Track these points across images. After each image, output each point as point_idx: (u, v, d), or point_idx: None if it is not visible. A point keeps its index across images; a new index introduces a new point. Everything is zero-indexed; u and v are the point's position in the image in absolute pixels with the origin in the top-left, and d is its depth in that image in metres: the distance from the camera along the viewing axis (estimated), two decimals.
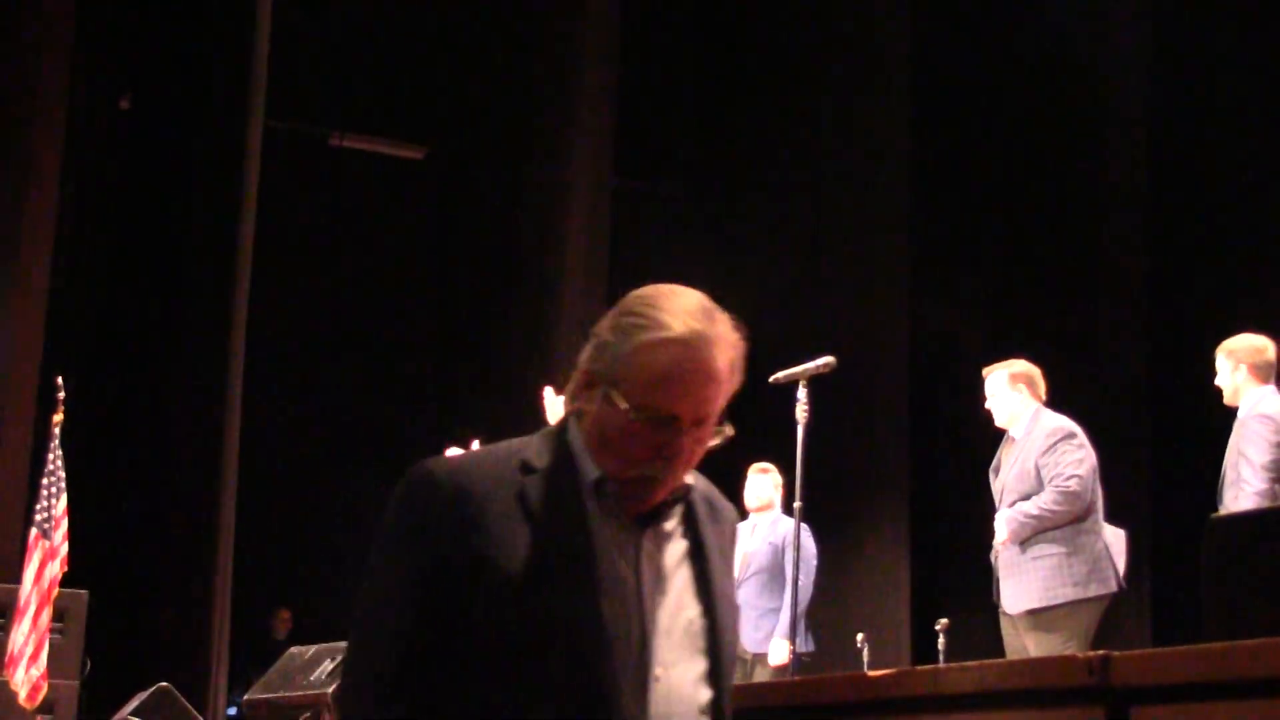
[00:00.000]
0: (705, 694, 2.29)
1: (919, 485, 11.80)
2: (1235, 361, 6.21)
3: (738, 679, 7.74)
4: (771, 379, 6.12)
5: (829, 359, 5.91)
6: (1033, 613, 6.16)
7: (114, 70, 10.40)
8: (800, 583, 7.00)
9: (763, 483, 7.66)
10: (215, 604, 9.08)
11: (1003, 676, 2.22)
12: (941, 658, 8.07)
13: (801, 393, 5.89)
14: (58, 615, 7.23)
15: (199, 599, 9.07)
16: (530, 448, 2.33)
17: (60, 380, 7.48)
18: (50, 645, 7.00)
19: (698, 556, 2.34)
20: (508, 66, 11.50)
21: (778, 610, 7.43)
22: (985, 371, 6.52)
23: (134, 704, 7.30)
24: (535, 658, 2.17)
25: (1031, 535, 6.16)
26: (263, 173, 9.83)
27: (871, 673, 2.32)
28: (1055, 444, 6.22)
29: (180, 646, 8.97)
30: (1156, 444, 11.92)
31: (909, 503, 11.59)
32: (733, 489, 7.75)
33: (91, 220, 10.13)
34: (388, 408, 12.61)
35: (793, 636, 6.94)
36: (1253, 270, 11.42)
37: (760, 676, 7.28)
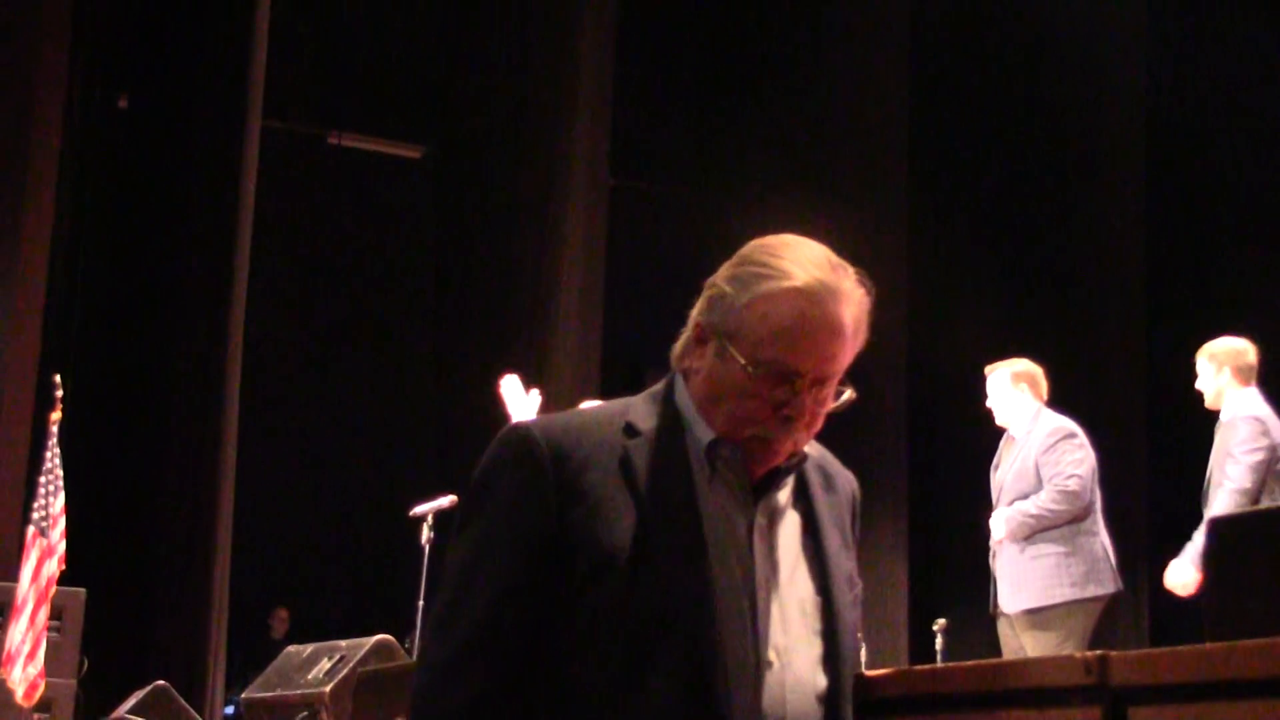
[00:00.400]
0: (823, 680, 2.12)
1: (917, 486, 11.81)
2: (1218, 364, 6.23)
3: None
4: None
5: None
6: (1030, 612, 6.17)
7: (111, 69, 10.39)
8: None
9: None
10: (213, 602, 9.08)
11: (1000, 676, 2.22)
12: (939, 657, 8.08)
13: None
14: (55, 613, 7.22)
15: (197, 597, 9.06)
16: (634, 409, 2.16)
17: (58, 378, 7.48)
18: (47, 643, 7.00)
19: (812, 530, 2.20)
20: (505, 65, 11.49)
21: None
22: (988, 370, 6.54)
23: (131, 702, 7.30)
24: (638, 640, 1.99)
25: (1029, 534, 6.17)
26: (260, 172, 9.83)
27: (869, 673, 2.32)
28: (1055, 443, 6.24)
29: (178, 645, 8.96)
30: (1155, 444, 11.93)
31: (907, 504, 11.60)
32: None
33: (89, 219, 10.13)
34: (385, 406, 12.62)
35: None
36: (1253, 270, 11.43)
37: None
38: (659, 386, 2.20)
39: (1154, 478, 11.77)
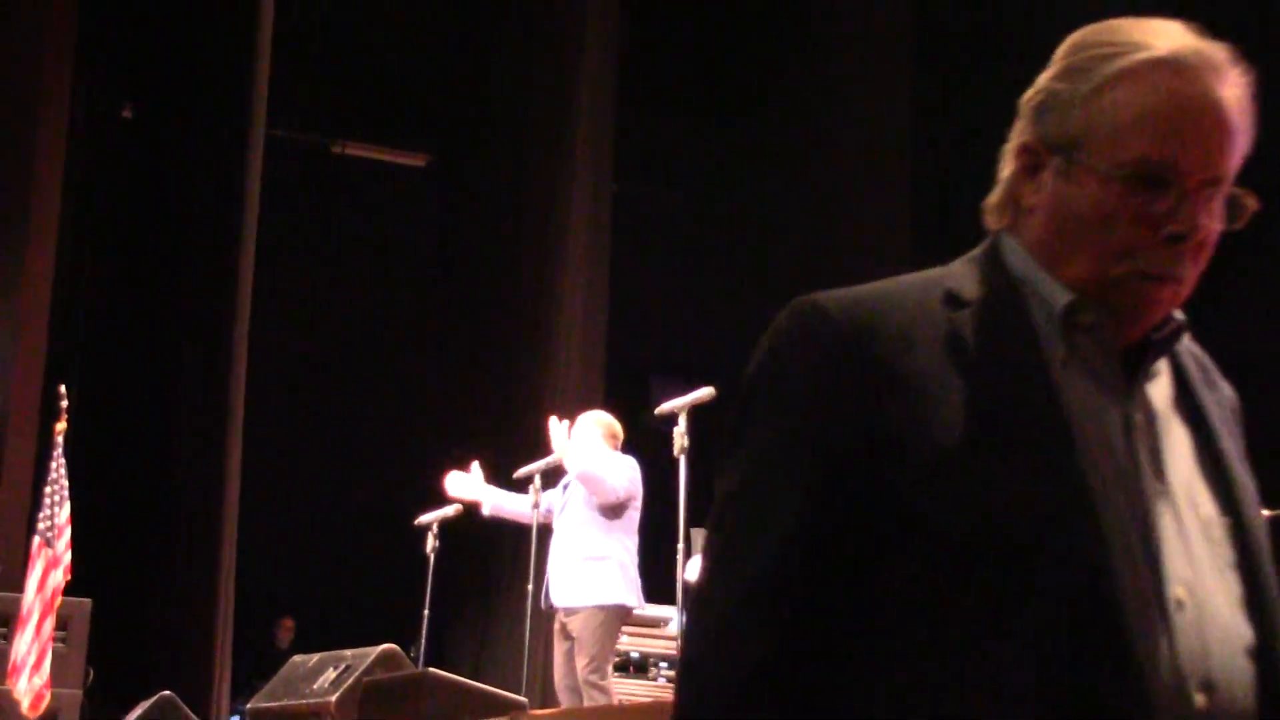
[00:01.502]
0: (1248, 630, 1.51)
1: None
2: None
3: None
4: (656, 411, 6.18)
5: (708, 389, 5.97)
6: None
7: (116, 79, 10.42)
8: None
9: None
10: (218, 612, 9.08)
11: None
12: None
13: None
14: (60, 624, 7.23)
15: (201, 607, 9.06)
16: (952, 276, 1.62)
17: (63, 389, 7.49)
18: (53, 654, 7.01)
19: (1203, 431, 1.61)
20: (508, 73, 11.50)
21: None
22: None
23: (137, 712, 7.30)
24: (996, 570, 1.44)
25: None
26: (264, 180, 9.84)
27: None
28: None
29: (183, 655, 8.96)
30: None
31: None
32: None
33: (94, 229, 10.15)
34: (389, 414, 12.62)
35: None
36: (1251, 273, 11.40)
37: None
38: (977, 250, 1.66)
39: None
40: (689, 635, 1.59)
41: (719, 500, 1.58)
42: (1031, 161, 1.63)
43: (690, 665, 1.54)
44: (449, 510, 7.63)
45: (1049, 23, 11.80)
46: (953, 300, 1.58)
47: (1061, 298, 1.56)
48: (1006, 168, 1.67)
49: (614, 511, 6.95)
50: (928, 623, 1.46)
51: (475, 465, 7.42)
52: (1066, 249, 1.57)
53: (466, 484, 7.37)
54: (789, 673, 1.48)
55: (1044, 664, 1.42)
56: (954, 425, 1.48)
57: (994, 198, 1.67)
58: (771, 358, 1.58)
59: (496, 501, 7.37)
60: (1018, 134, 1.67)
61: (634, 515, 7.02)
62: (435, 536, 7.64)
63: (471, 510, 7.62)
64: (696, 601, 1.57)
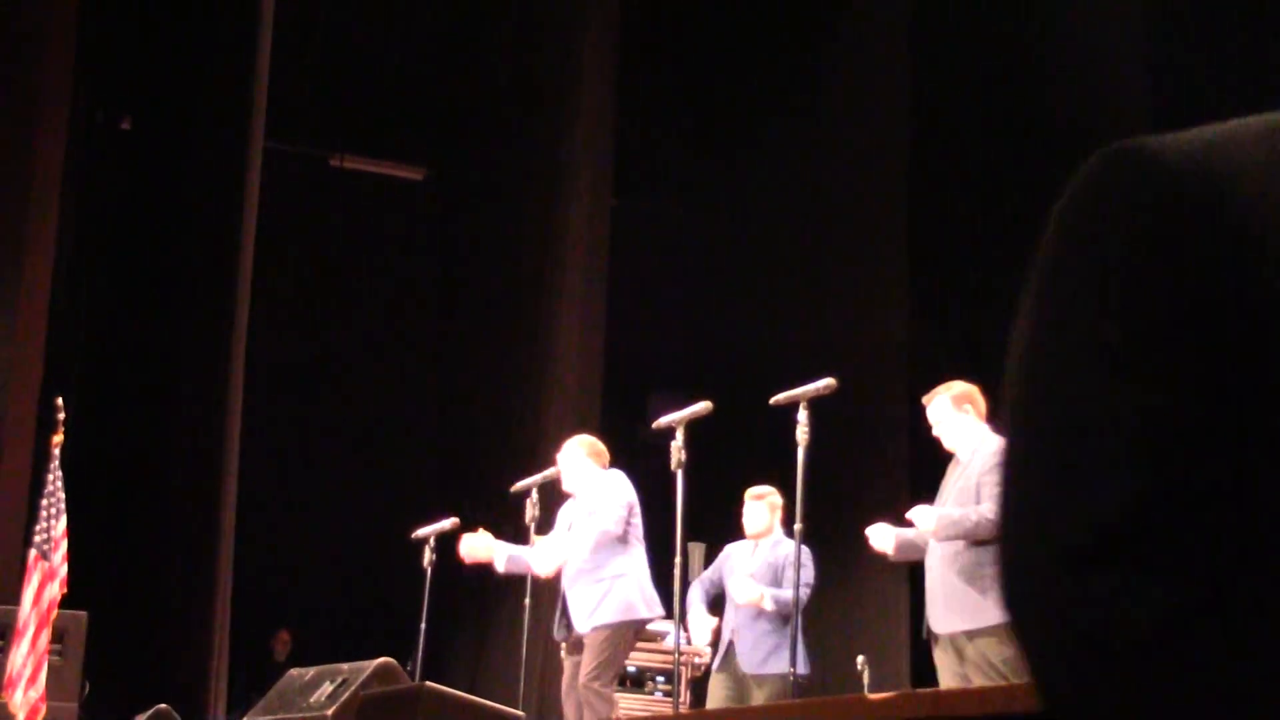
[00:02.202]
0: None
1: (918, 501, 11.75)
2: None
3: (733, 699, 7.56)
4: (772, 400, 6.12)
5: (829, 381, 5.91)
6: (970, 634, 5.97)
7: (115, 92, 10.43)
8: (802, 600, 7.04)
9: (759, 509, 7.62)
10: (214, 625, 9.07)
11: (1003, 699, 2.21)
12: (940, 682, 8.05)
13: (802, 414, 5.90)
14: (56, 637, 7.22)
15: (198, 620, 9.05)
16: None
17: (60, 402, 7.49)
18: (49, 667, 7.00)
19: None
20: (506, 87, 11.52)
21: (773, 631, 7.41)
22: (926, 399, 6.42)
23: None
24: None
25: (955, 536, 6.00)
26: (262, 194, 9.85)
27: (872, 696, 2.31)
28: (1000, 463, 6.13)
29: (179, 668, 8.95)
30: None
31: (909, 524, 11.56)
32: (732, 511, 7.74)
33: (92, 242, 10.15)
34: (387, 428, 12.61)
35: (793, 659, 6.93)
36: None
37: (758, 698, 7.26)
38: None
39: None
40: (1008, 507, 1.20)
41: (1030, 391, 1.24)
42: None
43: (1020, 525, 1.19)
44: (446, 524, 7.63)
45: (1047, 31, 11.81)
46: None
47: None
48: None
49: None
50: None
51: (483, 530, 7.42)
52: None
53: (479, 545, 7.37)
54: (1182, 508, 1.10)
55: None
56: None
57: None
58: (1098, 219, 1.19)
59: (510, 555, 7.39)
60: None
61: (636, 524, 7.04)
62: (432, 550, 7.63)
63: (469, 526, 7.64)
64: (1009, 501, 1.20)
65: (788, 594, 6.98)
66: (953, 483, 6.15)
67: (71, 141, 9.55)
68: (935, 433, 6.26)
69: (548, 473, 7.23)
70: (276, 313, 11.21)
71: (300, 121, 11.99)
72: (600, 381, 11.05)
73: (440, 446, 11.34)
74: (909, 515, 6.02)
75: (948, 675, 5.91)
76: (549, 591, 7.57)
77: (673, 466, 6.01)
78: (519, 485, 7.29)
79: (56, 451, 7.29)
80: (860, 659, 8.38)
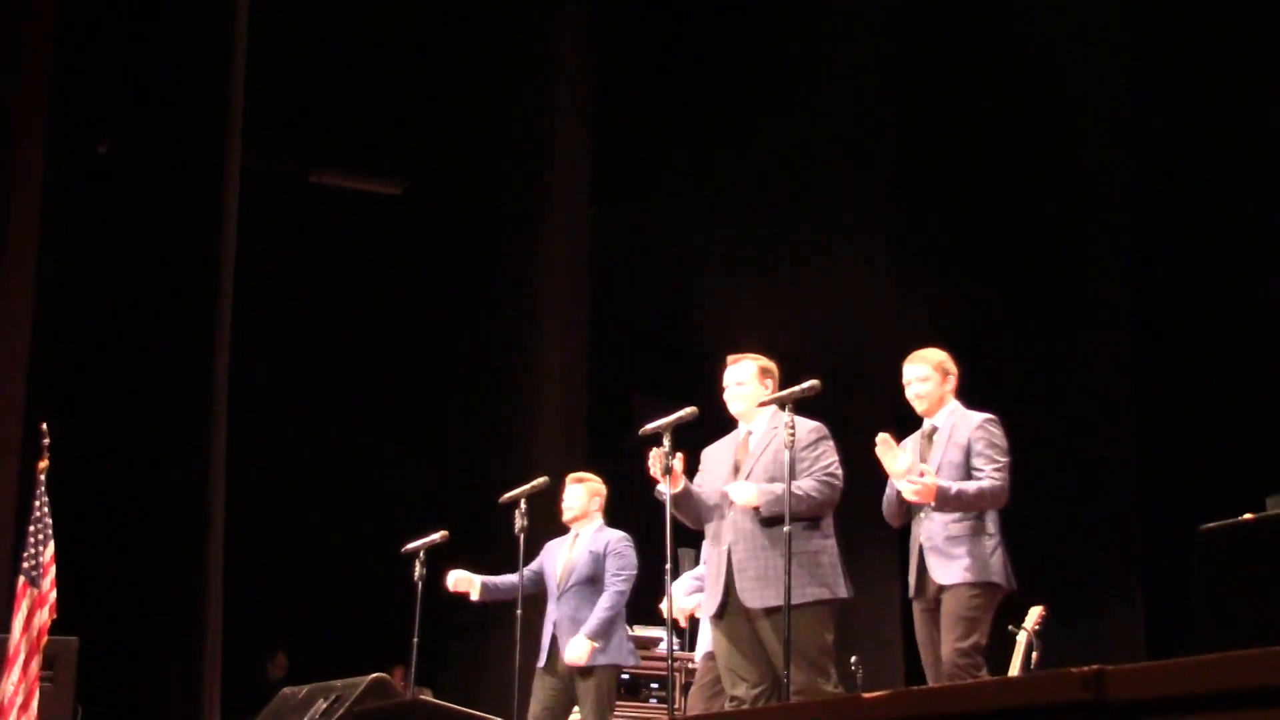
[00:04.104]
0: None
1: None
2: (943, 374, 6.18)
3: (556, 697, 7.62)
4: (758, 403, 6.12)
5: (814, 382, 5.89)
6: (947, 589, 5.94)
7: (91, 114, 10.40)
8: (620, 589, 7.23)
9: (577, 492, 7.65)
10: (206, 649, 9.04)
11: (997, 695, 2.21)
12: None
13: (787, 416, 5.90)
14: (47, 663, 7.17)
15: (190, 644, 9.02)
16: None
17: (45, 426, 7.45)
18: (41, 694, 6.95)
19: None
20: (484, 100, 11.51)
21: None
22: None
23: None
24: None
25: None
26: (241, 211, 9.83)
27: (866, 695, 2.31)
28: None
29: (172, 692, 8.91)
30: (1144, 450, 11.92)
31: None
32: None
33: (72, 266, 10.12)
34: (371, 444, 12.59)
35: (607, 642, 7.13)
36: (1241, 273, 11.45)
37: (582, 691, 7.29)
38: None
39: (1145, 484, 11.76)
40: None
41: None
42: None
43: None
44: (435, 536, 7.63)
45: (1028, 43, 11.83)
46: None
47: None
48: None
49: None
50: None
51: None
52: None
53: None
54: None
55: None
56: None
57: None
58: None
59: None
60: None
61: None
62: (423, 564, 7.62)
63: (458, 537, 7.67)
64: None
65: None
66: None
67: (48, 166, 9.51)
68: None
69: (536, 483, 7.23)
70: (259, 329, 11.18)
71: (278, 138, 11.97)
72: (585, 391, 11.05)
73: (427, 461, 11.32)
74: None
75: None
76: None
77: (659, 472, 6.00)
78: (507, 496, 7.29)
79: (42, 477, 7.24)
80: (854, 659, 8.38)
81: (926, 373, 6.16)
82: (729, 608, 6.03)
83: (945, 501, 5.87)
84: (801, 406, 5.97)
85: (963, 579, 5.85)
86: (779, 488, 5.85)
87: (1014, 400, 11.90)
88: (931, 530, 5.98)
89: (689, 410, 6.13)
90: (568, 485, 7.61)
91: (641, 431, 6.11)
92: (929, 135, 12.47)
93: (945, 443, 6.07)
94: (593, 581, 7.32)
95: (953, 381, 6.23)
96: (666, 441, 6.02)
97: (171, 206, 9.80)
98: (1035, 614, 7.61)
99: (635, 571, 7.37)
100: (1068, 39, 12.18)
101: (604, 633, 7.12)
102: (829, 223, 11.81)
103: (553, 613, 7.35)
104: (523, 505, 7.15)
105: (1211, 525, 5.54)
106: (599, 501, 7.53)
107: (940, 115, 12.48)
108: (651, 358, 12.44)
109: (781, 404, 5.95)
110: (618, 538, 7.37)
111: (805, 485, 5.94)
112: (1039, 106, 12.27)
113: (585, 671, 7.15)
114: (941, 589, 5.89)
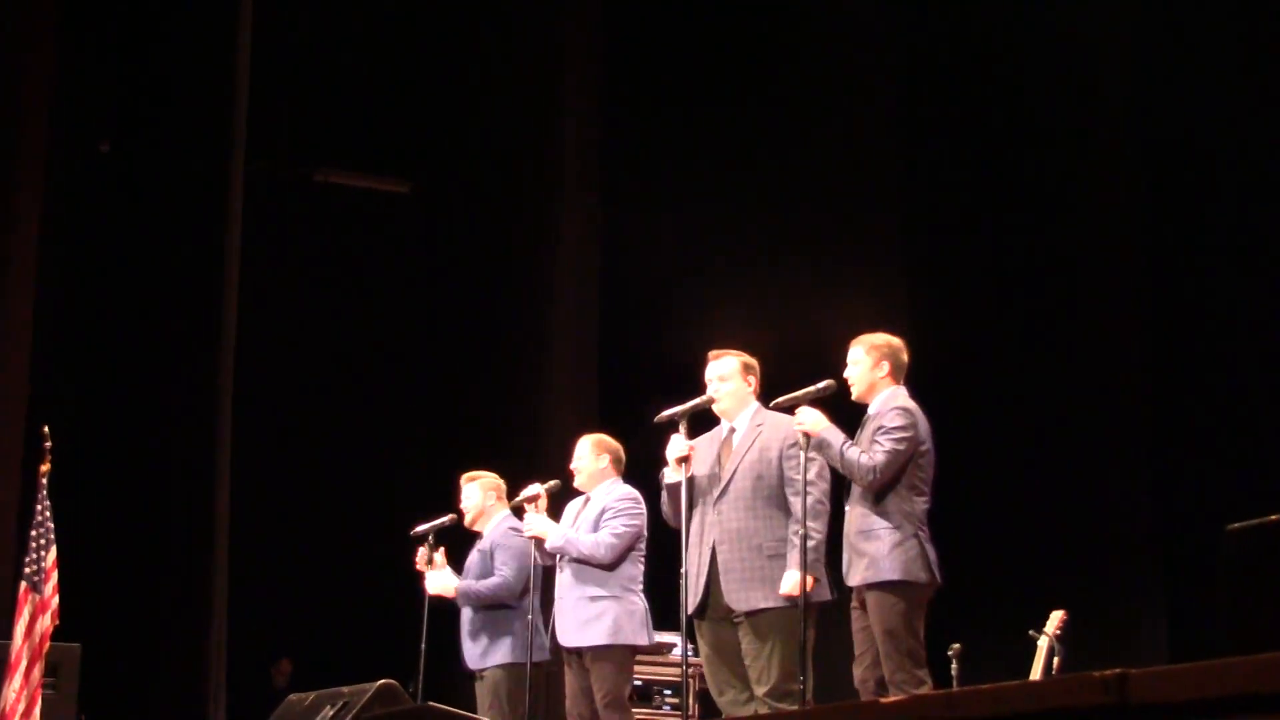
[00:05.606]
0: None
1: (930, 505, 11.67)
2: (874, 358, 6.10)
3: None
4: (772, 404, 6.11)
5: (829, 382, 5.89)
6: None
7: (93, 114, 10.37)
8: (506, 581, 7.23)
9: (471, 490, 7.62)
10: (210, 655, 8.99)
11: (1017, 698, 2.15)
12: (955, 683, 7.95)
13: (786, 415, 5.89)
14: (50, 670, 7.12)
15: (194, 650, 8.98)
16: None
17: (46, 430, 7.39)
18: (43, 701, 6.91)
19: None
20: (493, 99, 11.47)
21: (485, 626, 7.35)
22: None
23: None
24: None
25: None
26: (246, 211, 9.79)
27: (884, 700, 2.22)
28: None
29: (176, 700, 8.87)
30: (1165, 450, 11.79)
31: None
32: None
33: (75, 266, 10.10)
34: (379, 446, 12.53)
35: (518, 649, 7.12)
36: (1264, 268, 11.34)
37: (479, 692, 7.25)
38: None
39: (1166, 484, 11.64)
40: None
41: None
42: None
43: None
44: (444, 519, 7.63)
45: (1035, 42, 11.75)
46: None
47: None
48: None
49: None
50: None
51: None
52: None
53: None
54: None
55: None
56: None
57: None
58: None
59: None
60: None
61: (640, 547, 6.92)
62: (431, 547, 7.60)
63: (465, 542, 7.61)
64: None
65: (481, 585, 7.23)
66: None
67: (50, 165, 9.50)
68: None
69: (549, 485, 7.15)
70: (264, 330, 11.13)
71: (282, 137, 11.93)
72: (595, 392, 10.99)
73: (433, 463, 11.25)
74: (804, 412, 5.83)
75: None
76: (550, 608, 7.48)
77: (676, 462, 6.03)
78: (518, 498, 7.23)
79: (44, 481, 7.19)
80: (954, 647, 8.23)
81: (857, 357, 6.11)
82: (710, 609, 5.98)
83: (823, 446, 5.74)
84: (821, 405, 5.94)
85: (865, 579, 5.80)
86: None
87: (1032, 403, 11.84)
88: (848, 522, 5.94)
89: (705, 398, 6.17)
90: (463, 485, 7.65)
91: (657, 419, 6.13)
92: (938, 135, 12.40)
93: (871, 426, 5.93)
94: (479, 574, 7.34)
95: (889, 366, 6.09)
96: (683, 429, 6.02)
97: (175, 206, 9.78)
98: (1056, 618, 7.54)
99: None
100: (1079, 39, 12.10)
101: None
102: (839, 225, 11.76)
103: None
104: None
105: (1239, 525, 5.42)
106: (496, 496, 7.51)
107: (947, 113, 12.42)
108: (661, 360, 12.36)
109: (798, 404, 5.90)
110: (514, 534, 7.33)
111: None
112: (1050, 105, 12.19)
113: (481, 674, 7.22)
114: (858, 590, 5.87)
